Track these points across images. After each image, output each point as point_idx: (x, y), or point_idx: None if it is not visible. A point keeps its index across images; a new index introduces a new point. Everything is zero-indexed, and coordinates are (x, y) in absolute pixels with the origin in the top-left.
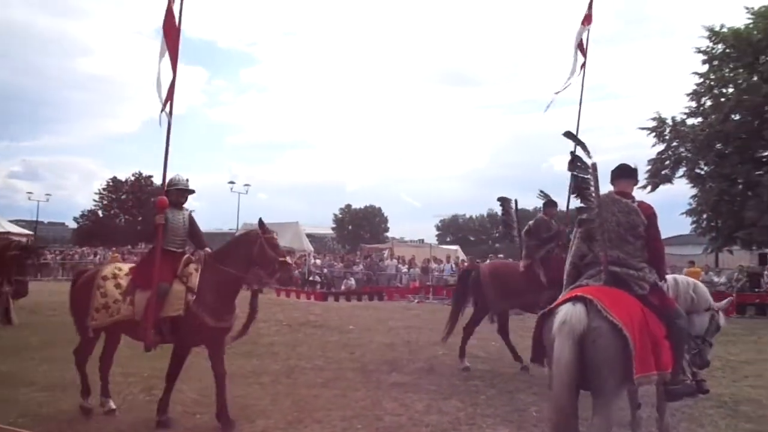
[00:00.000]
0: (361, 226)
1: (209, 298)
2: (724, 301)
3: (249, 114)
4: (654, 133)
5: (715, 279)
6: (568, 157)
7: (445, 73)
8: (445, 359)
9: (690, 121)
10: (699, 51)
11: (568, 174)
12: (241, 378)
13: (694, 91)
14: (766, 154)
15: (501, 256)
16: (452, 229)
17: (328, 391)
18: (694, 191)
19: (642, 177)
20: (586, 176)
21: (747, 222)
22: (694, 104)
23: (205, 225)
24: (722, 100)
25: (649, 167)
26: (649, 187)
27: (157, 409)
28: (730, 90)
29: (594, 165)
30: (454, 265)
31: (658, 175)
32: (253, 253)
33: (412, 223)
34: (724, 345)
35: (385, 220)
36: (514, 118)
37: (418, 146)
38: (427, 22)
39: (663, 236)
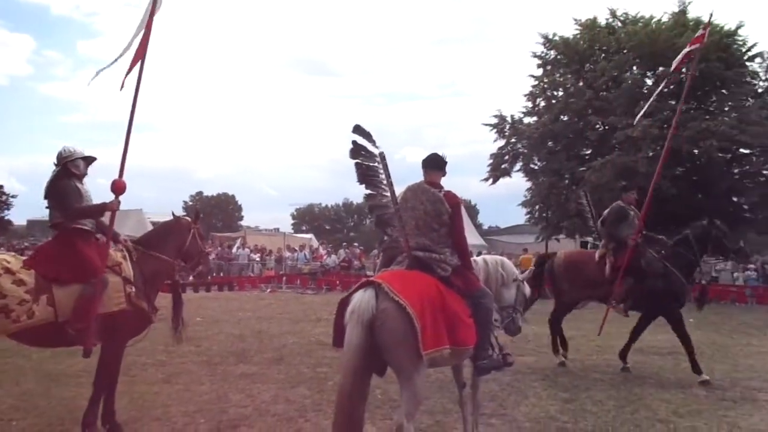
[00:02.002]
0: (214, 215)
1: (147, 289)
2: (526, 272)
3: (88, 91)
4: (495, 130)
5: None
6: (418, 150)
7: (302, 61)
8: (294, 348)
9: (526, 120)
10: (535, 56)
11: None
12: (71, 378)
13: (531, 92)
14: (588, 152)
15: (356, 244)
16: (308, 217)
17: (170, 387)
18: (529, 184)
19: (484, 170)
20: (372, 164)
21: (571, 213)
22: (530, 104)
23: (34, 213)
24: (553, 102)
25: (491, 161)
26: (490, 180)
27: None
28: (560, 93)
29: (381, 154)
30: (308, 254)
31: (499, 169)
32: (184, 243)
33: (267, 212)
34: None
35: (239, 209)
36: (370, 110)
37: (275, 134)
38: (286, 7)
39: (503, 226)
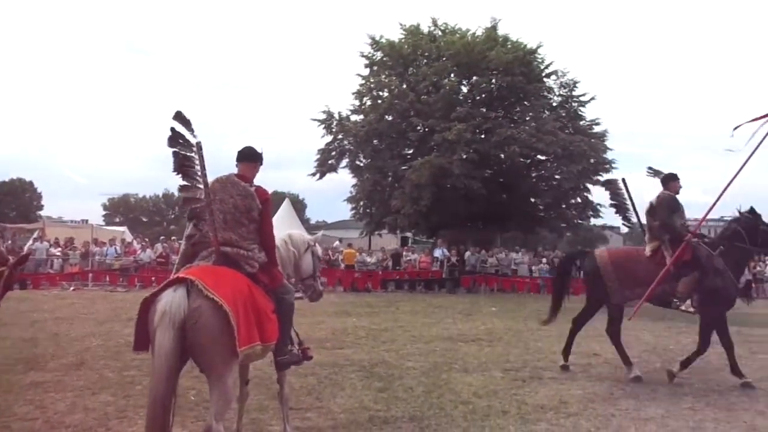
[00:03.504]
0: (6, 203)
1: None
2: (318, 234)
3: None
4: (323, 126)
5: (368, 259)
6: (247, 141)
7: (119, 38)
8: (98, 351)
9: (354, 118)
10: (363, 56)
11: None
12: None
13: (358, 91)
14: (410, 152)
15: (174, 238)
16: (122, 209)
17: None
18: (354, 181)
19: (312, 165)
20: (189, 154)
21: (393, 209)
22: (357, 102)
23: None
24: (379, 101)
25: (318, 156)
26: (317, 175)
27: None
28: (386, 94)
29: (198, 144)
30: (119, 248)
31: (325, 165)
32: None
33: (74, 202)
34: (369, 316)
35: (39, 197)
36: (197, 96)
37: (86, 116)
38: None
39: (329, 221)
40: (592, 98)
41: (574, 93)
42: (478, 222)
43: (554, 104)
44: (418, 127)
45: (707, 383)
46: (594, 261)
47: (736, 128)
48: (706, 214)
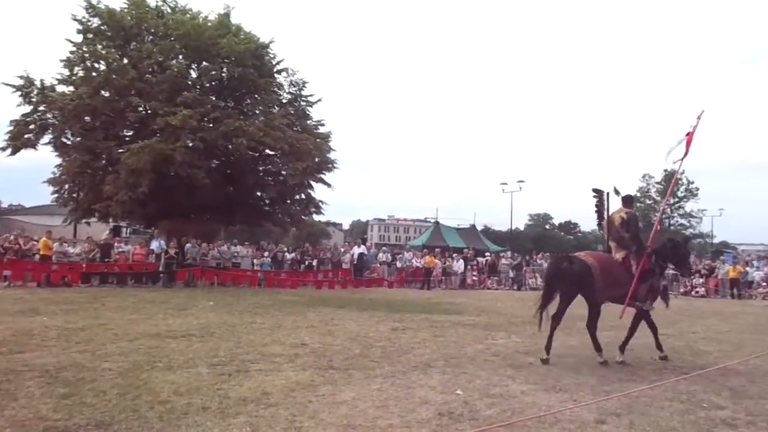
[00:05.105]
0: None
1: None
2: None
3: None
4: (20, 93)
5: (71, 250)
6: None
7: None
8: None
9: (61, 88)
10: (75, 19)
11: None
12: None
13: (68, 59)
14: (129, 134)
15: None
16: None
17: None
18: (59, 161)
19: (1, 139)
20: None
21: (105, 196)
22: (66, 72)
23: None
24: (94, 74)
25: (11, 128)
26: (9, 150)
27: None
28: (102, 66)
29: None
30: None
31: (20, 139)
32: None
33: None
34: (65, 314)
35: None
36: None
37: None
38: None
39: (28, 205)
40: (319, 100)
41: (303, 92)
42: (202, 213)
43: (284, 101)
44: (140, 108)
45: (394, 366)
46: (585, 264)
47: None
48: (654, 232)
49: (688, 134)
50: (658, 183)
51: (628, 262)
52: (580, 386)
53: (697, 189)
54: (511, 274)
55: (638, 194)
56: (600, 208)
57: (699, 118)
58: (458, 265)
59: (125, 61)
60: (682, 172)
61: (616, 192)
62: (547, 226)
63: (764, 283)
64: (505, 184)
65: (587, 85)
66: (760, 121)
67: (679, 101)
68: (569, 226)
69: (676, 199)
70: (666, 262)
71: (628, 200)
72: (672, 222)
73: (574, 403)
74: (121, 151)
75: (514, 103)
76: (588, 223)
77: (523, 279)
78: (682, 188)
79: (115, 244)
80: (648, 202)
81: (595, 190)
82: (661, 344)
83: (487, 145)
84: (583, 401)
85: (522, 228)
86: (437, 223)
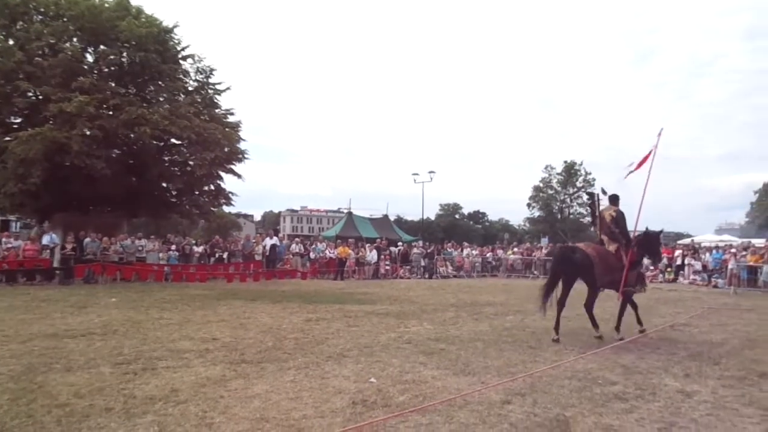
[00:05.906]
0: None
1: None
2: None
3: None
4: None
5: None
6: None
7: None
8: None
9: None
10: None
11: None
12: None
13: None
14: (17, 121)
15: None
16: None
17: None
18: None
19: None
20: None
21: None
22: None
23: None
24: None
25: None
26: None
27: None
28: None
29: None
30: None
31: None
32: None
33: None
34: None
35: None
36: None
37: None
38: None
39: None
40: (228, 88)
41: (210, 80)
42: (103, 206)
43: (190, 89)
44: (29, 93)
45: (308, 357)
46: (587, 254)
47: (626, 177)
48: (635, 230)
49: (650, 151)
50: (558, 174)
51: (619, 252)
52: (488, 369)
53: (594, 179)
54: (423, 263)
55: (541, 184)
56: (593, 208)
57: (659, 135)
58: (371, 255)
59: (11, 41)
60: (580, 164)
61: (604, 192)
62: (457, 216)
63: (652, 267)
64: (417, 174)
65: (493, 80)
66: (647, 116)
67: (575, 96)
68: (478, 216)
69: (575, 189)
70: (644, 252)
71: (614, 199)
72: (571, 211)
73: (482, 386)
74: (8, 139)
75: (425, 96)
76: (494, 213)
77: (435, 268)
78: (581, 179)
79: (3, 239)
80: (550, 192)
81: (588, 194)
82: (641, 320)
83: (400, 136)
84: (491, 383)
85: (433, 218)
86: (350, 213)
